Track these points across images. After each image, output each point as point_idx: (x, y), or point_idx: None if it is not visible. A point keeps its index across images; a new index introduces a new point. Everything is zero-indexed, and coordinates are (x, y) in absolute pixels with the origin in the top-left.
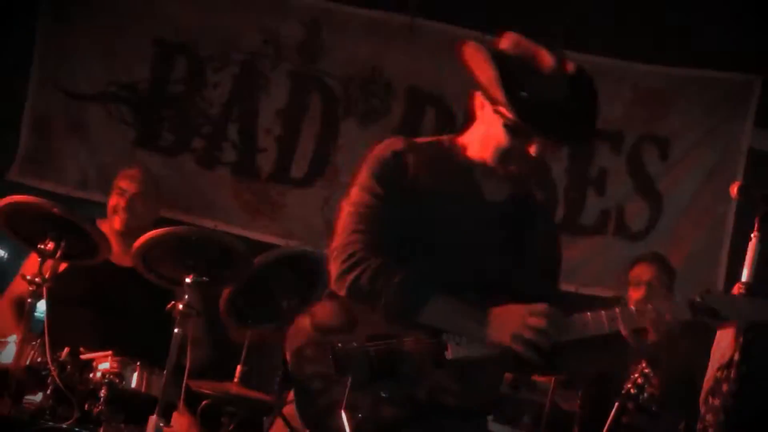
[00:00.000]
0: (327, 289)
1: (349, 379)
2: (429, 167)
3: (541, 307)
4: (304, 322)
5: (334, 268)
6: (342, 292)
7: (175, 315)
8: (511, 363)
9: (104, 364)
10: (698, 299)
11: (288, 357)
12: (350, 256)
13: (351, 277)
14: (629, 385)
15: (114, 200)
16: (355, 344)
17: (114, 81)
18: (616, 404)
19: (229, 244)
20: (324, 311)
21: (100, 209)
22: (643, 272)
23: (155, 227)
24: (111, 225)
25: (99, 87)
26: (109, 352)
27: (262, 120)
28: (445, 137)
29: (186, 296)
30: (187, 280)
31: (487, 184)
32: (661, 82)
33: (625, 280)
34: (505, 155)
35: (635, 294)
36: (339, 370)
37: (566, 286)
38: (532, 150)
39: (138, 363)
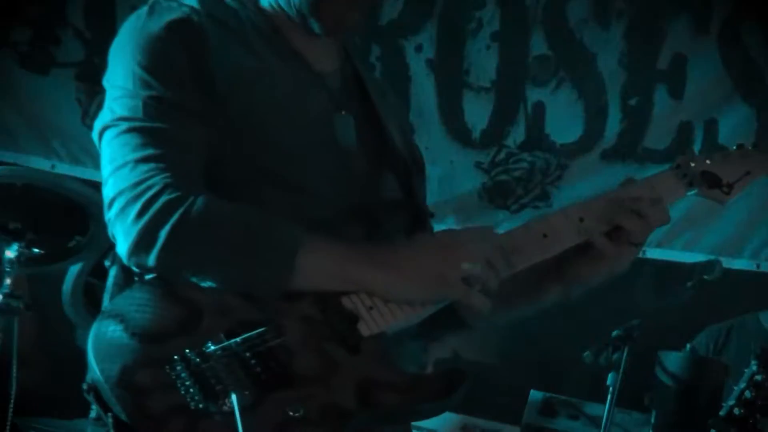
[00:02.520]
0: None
1: (228, 404)
2: (235, 41)
3: (470, 230)
4: (114, 331)
5: (124, 230)
6: (151, 266)
7: None
8: (452, 325)
9: None
10: (689, 162)
11: (105, 396)
12: (150, 201)
13: (162, 237)
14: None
15: None
16: (212, 347)
17: None
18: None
19: (77, 196)
20: (141, 308)
21: None
22: None
23: None
24: None
25: None
26: None
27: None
28: None
29: (7, 280)
30: (8, 253)
31: (313, 54)
32: None
33: None
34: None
35: None
36: (205, 396)
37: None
38: None
39: None
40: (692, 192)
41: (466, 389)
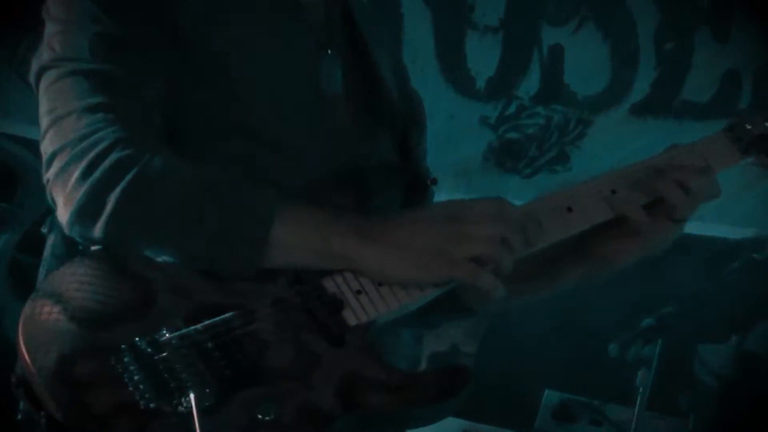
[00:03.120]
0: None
1: (186, 404)
2: None
3: (481, 200)
4: (49, 313)
5: (66, 193)
6: (97, 236)
7: None
8: (454, 311)
9: None
10: (744, 124)
11: (37, 391)
12: (97, 159)
13: (112, 202)
14: None
15: None
16: (167, 335)
17: None
18: None
19: (2, 155)
20: (83, 286)
21: None
22: None
23: None
24: None
25: None
26: None
27: None
28: None
29: None
30: None
31: None
32: None
33: None
34: None
35: None
36: (157, 393)
37: None
38: None
39: None
40: (748, 160)
41: (470, 390)
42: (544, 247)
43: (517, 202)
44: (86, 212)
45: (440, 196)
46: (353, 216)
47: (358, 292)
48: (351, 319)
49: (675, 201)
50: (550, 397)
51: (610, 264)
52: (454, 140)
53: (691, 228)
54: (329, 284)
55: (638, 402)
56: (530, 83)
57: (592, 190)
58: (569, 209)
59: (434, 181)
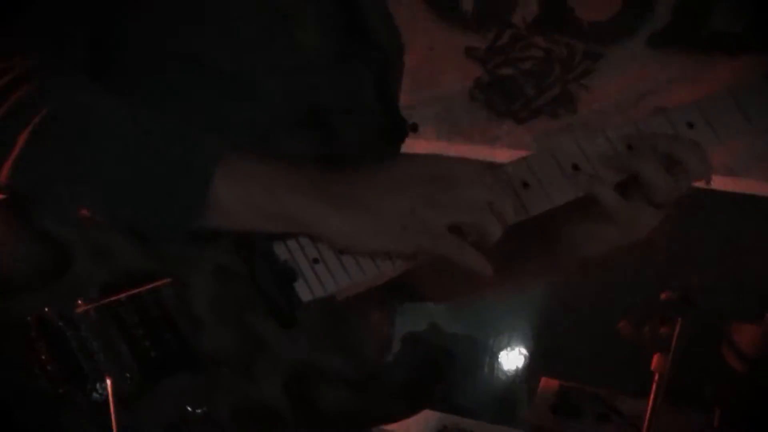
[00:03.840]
0: None
1: (102, 391)
2: None
3: (467, 162)
4: None
5: None
6: (1, 183)
7: None
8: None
9: None
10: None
11: None
12: (4, 92)
13: (20, 143)
14: None
15: None
16: (83, 307)
17: None
18: None
19: None
20: None
21: None
22: None
23: None
24: None
25: None
26: None
27: None
28: None
29: None
30: None
31: None
32: None
33: None
34: None
35: None
36: (68, 376)
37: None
38: None
39: None
40: None
41: (450, 381)
42: (540, 213)
43: (511, 151)
44: None
45: (418, 143)
46: (313, 170)
47: (315, 260)
48: (305, 294)
49: (655, 182)
50: (548, 386)
51: (582, 254)
52: (434, 76)
53: (722, 184)
54: (281, 250)
55: (653, 392)
56: (527, 8)
57: (551, 164)
58: (525, 184)
59: (414, 127)
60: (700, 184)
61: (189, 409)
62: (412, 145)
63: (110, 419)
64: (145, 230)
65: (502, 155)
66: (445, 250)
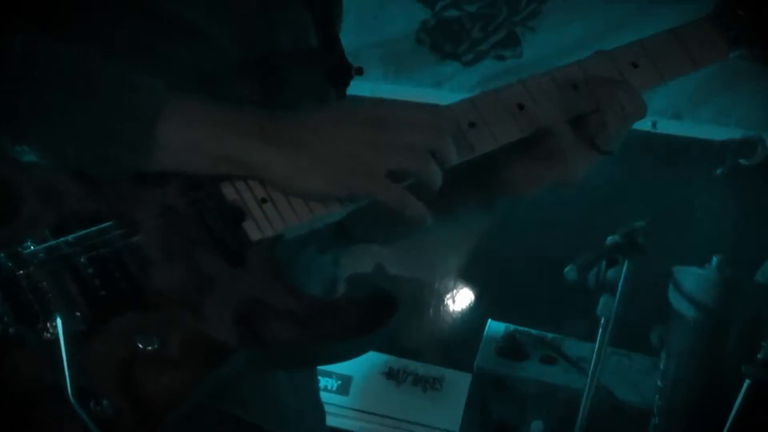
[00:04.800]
0: None
1: (52, 330)
2: None
3: (411, 105)
4: None
5: None
6: None
7: None
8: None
9: None
10: (736, 8)
11: None
12: None
13: None
14: None
15: None
16: (32, 247)
17: None
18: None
19: None
20: None
21: None
22: None
23: None
24: None
25: None
26: None
27: None
28: None
29: None
30: None
31: None
32: None
33: None
34: None
35: None
36: (17, 316)
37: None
38: None
39: None
40: (736, 53)
41: (395, 322)
42: (484, 152)
43: (457, 94)
44: None
45: (363, 86)
46: (257, 113)
47: (264, 200)
48: (254, 233)
49: (605, 121)
50: (494, 328)
51: (514, 191)
52: (379, 18)
53: (667, 127)
54: (229, 191)
55: (599, 336)
56: None
57: (497, 104)
58: (471, 124)
59: (359, 71)
60: (644, 126)
61: (140, 346)
62: (357, 89)
63: (61, 358)
64: (91, 171)
65: (447, 98)
66: (384, 196)
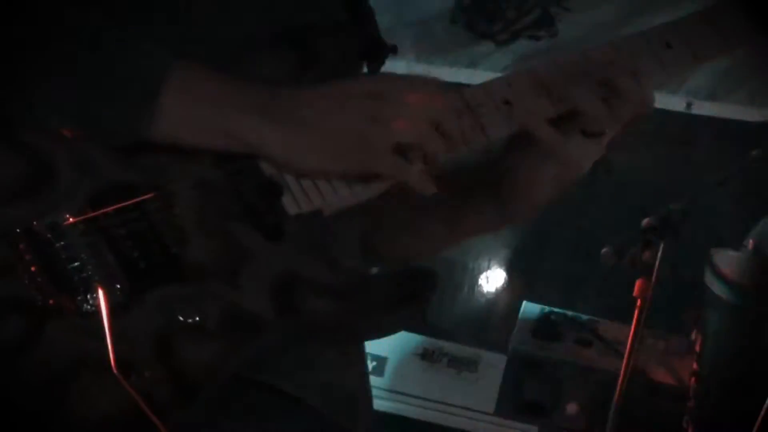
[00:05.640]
0: None
1: (92, 302)
2: None
3: (414, 78)
4: None
5: None
6: None
7: None
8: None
9: None
10: None
11: None
12: None
13: None
14: None
15: None
16: (70, 219)
17: None
18: None
19: None
20: None
21: None
22: None
23: None
24: None
25: None
26: None
27: None
28: None
29: None
30: None
31: None
32: None
33: None
34: None
35: None
36: (57, 288)
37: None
38: None
39: None
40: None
41: (432, 299)
42: (496, 139)
43: (491, 74)
44: None
45: (397, 65)
46: (260, 89)
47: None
48: (292, 207)
49: (589, 111)
50: (529, 310)
51: (525, 197)
52: None
53: (703, 109)
54: (266, 165)
55: (636, 317)
56: None
57: (485, 98)
58: (506, 102)
59: (394, 49)
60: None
61: (180, 318)
62: (391, 68)
63: (102, 329)
64: (90, 132)
65: (481, 78)
66: (386, 169)
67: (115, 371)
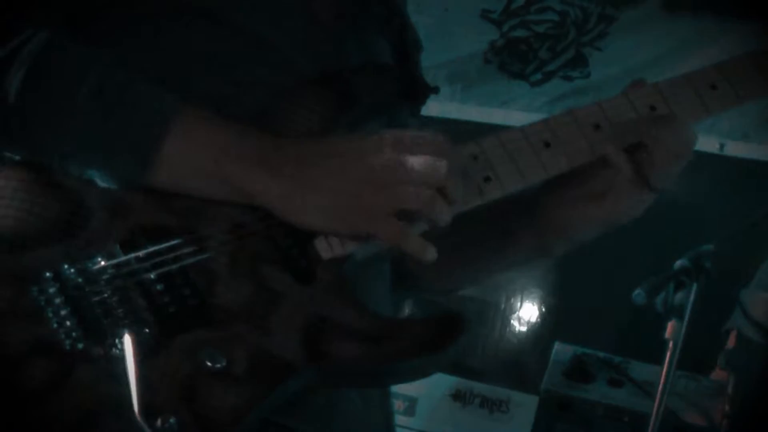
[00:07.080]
0: None
1: (119, 346)
2: None
3: (420, 137)
4: None
5: None
6: None
7: None
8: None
9: None
10: None
11: None
12: None
13: None
14: None
15: None
16: (101, 262)
17: None
18: None
19: None
20: None
21: None
22: None
23: None
24: None
25: None
26: None
27: None
28: None
29: None
30: None
31: None
32: None
33: None
34: None
35: None
36: (86, 332)
37: None
38: None
39: None
40: None
41: (464, 342)
42: (499, 197)
43: (524, 114)
44: None
45: (431, 105)
46: (264, 140)
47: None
48: (324, 251)
49: (652, 158)
50: (561, 351)
51: (568, 234)
52: (448, 38)
53: (735, 149)
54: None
55: (667, 359)
56: None
57: (571, 123)
58: (547, 144)
59: (436, 90)
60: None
61: (208, 363)
62: (425, 108)
63: (127, 374)
64: (93, 176)
65: (514, 118)
66: (385, 235)
67: (138, 418)
